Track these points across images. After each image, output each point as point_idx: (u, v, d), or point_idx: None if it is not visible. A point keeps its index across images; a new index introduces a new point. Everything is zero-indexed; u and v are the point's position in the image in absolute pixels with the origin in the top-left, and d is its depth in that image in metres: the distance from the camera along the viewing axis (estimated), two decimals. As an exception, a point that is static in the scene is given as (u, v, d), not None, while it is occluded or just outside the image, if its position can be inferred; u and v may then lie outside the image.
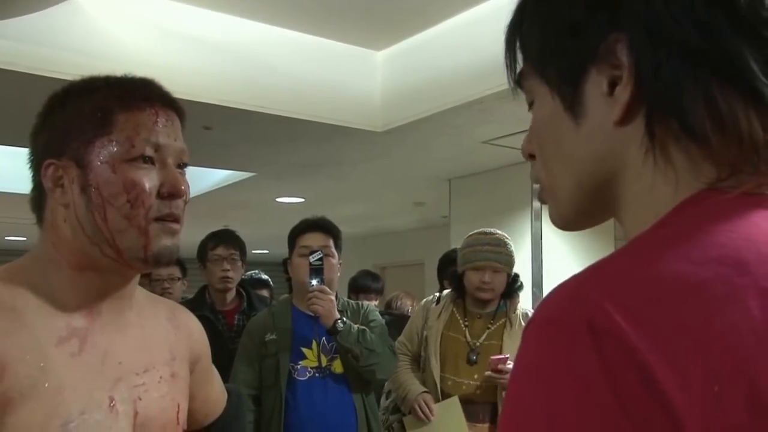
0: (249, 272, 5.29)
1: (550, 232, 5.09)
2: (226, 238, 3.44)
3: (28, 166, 1.10)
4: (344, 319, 2.63)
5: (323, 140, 4.53)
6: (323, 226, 2.81)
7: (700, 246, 0.50)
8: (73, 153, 1.04)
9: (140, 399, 1.09)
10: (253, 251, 11.51)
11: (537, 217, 5.07)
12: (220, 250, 3.35)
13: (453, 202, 5.89)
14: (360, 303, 3.04)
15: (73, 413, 0.98)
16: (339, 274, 2.85)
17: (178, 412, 1.17)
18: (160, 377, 1.14)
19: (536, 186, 0.71)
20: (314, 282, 2.61)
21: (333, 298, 2.64)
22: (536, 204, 5.09)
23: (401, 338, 3.10)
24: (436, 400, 2.82)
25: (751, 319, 0.46)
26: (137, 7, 3.48)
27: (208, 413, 1.35)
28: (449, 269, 3.84)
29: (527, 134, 0.69)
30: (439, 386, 2.84)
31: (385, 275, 9.98)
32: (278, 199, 6.97)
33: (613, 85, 0.57)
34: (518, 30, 0.66)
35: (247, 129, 4.22)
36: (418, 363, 3.02)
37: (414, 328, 3.06)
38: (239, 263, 3.39)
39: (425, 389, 2.85)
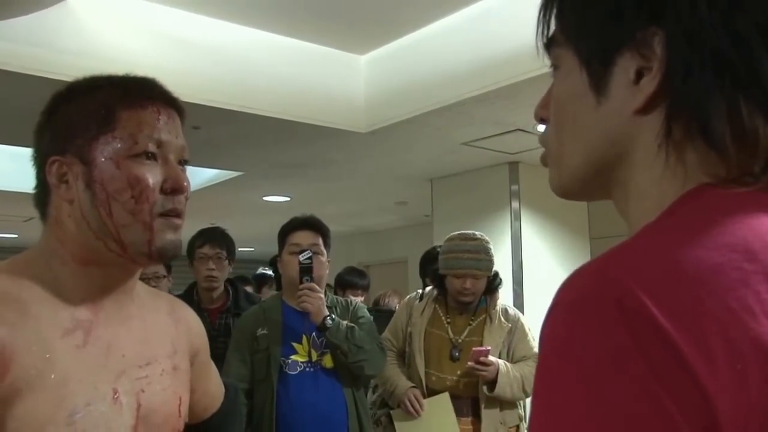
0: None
1: (528, 231, 5.16)
2: (213, 236, 3.42)
3: (32, 163, 1.10)
4: (333, 316, 2.67)
5: (309, 141, 4.55)
6: (313, 225, 2.85)
7: (711, 233, 0.51)
8: (78, 150, 1.04)
9: (143, 391, 1.09)
10: (240, 249, 11.50)
11: (516, 217, 5.13)
12: (206, 249, 3.34)
13: (435, 201, 5.91)
14: (349, 300, 3.07)
15: (79, 405, 0.98)
16: (327, 272, 2.88)
17: (179, 405, 1.17)
18: (162, 370, 1.14)
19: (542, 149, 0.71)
20: (304, 280, 2.65)
21: (322, 295, 2.67)
22: (515, 204, 5.15)
23: (386, 334, 3.13)
24: (422, 395, 2.86)
25: (763, 302, 0.48)
26: (129, 10, 3.52)
27: (207, 407, 1.36)
28: (431, 267, 3.95)
29: (543, 98, 0.69)
30: (424, 382, 2.89)
31: (370, 273, 9.98)
32: (265, 198, 6.95)
33: (639, 74, 0.58)
34: None
35: (235, 129, 4.23)
36: (403, 358, 3.06)
37: (399, 324, 3.11)
38: (225, 262, 3.38)
39: (413, 384, 2.90)
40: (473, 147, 4.74)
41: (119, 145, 1.04)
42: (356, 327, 2.72)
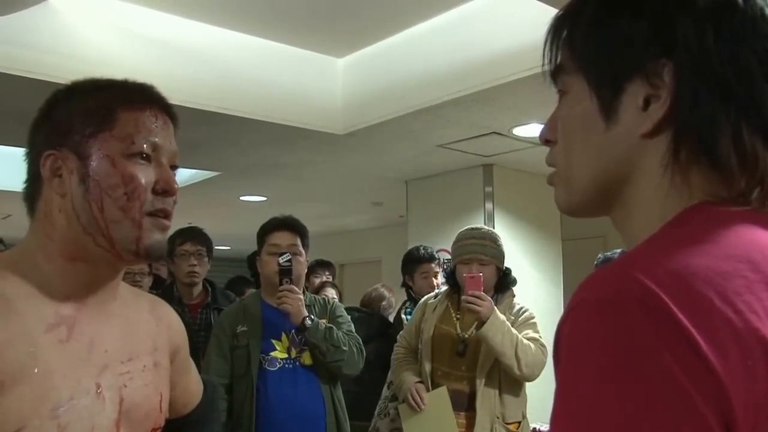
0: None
1: (502, 233, 5.09)
2: (193, 234, 3.54)
3: (25, 157, 1.12)
4: (312, 316, 2.73)
5: (286, 142, 4.59)
6: (292, 226, 2.90)
7: (719, 244, 0.56)
8: (75, 145, 1.06)
9: (125, 386, 1.10)
10: (216, 248, 11.45)
11: (490, 218, 5.17)
12: (188, 246, 3.45)
13: (410, 202, 5.95)
14: (327, 299, 3.13)
15: (63, 398, 0.99)
16: (306, 271, 2.95)
17: (161, 401, 1.19)
18: (144, 366, 1.16)
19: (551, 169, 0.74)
20: (284, 282, 2.72)
21: (301, 296, 2.74)
22: (489, 205, 5.21)
23: (402, 332, 3.22)
24: (428, 390, 2.91)
25: (766, 308, 0.53)
26: (109, 11, 3.53)
27: (187, 403, 1.37)
28: (410, 266, 4.05)
29: (549, 122, 0.73)
30: (429, 377, 2.93)
31: (344, 272, 10.01)
32: (242, 198, 6.97)
33: (647, 101, 0.63)
34: (571, 23, 0.70)
35: (213, 130, 4.26)
36: (417, 355, 3.10)
37: (414, 323, 3.16)
38: (206, 259, 3.50)
39: (419, 379, 2.94)
40: (448, 149, 4.80)
41: (117, 144, 1.06)
42: (335, 327, 2.78)
